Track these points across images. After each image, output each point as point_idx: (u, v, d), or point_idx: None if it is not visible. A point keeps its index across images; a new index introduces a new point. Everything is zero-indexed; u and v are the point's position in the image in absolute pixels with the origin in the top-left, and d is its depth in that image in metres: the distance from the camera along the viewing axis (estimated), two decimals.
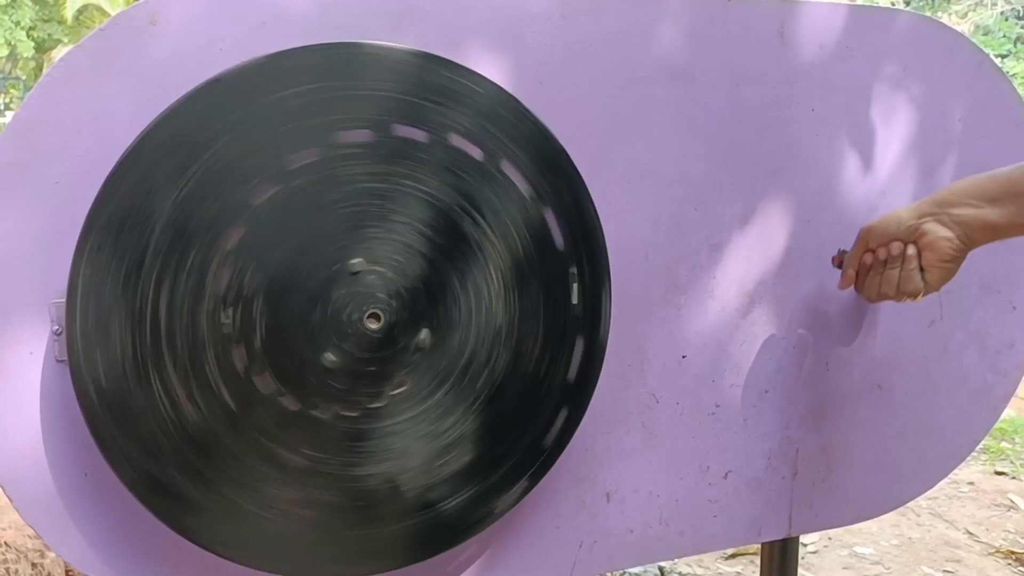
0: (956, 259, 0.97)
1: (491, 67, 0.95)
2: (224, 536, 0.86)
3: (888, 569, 2.62)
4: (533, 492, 0.97)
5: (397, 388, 0.88)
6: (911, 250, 0.98)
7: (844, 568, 2.63)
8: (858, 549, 2.73)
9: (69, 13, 17.08)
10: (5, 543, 2.21)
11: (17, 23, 17.92)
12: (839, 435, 1.19)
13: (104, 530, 0.87)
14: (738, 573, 2.60)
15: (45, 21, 19.24)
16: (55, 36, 19.01)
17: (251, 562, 0.87)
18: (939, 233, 0.95)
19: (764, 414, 1.14)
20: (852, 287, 1.08)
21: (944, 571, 2.60)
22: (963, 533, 2.83)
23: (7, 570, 2.16)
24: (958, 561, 2.66)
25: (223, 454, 0.84)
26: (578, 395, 0.97)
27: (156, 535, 0.86)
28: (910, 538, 2.80)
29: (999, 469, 3.26)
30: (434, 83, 0.87)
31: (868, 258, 1.02)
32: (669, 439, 1.10)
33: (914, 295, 1.00)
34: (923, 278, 0.99)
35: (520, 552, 1.04)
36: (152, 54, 0.83)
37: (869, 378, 1.19)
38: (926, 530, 2.86)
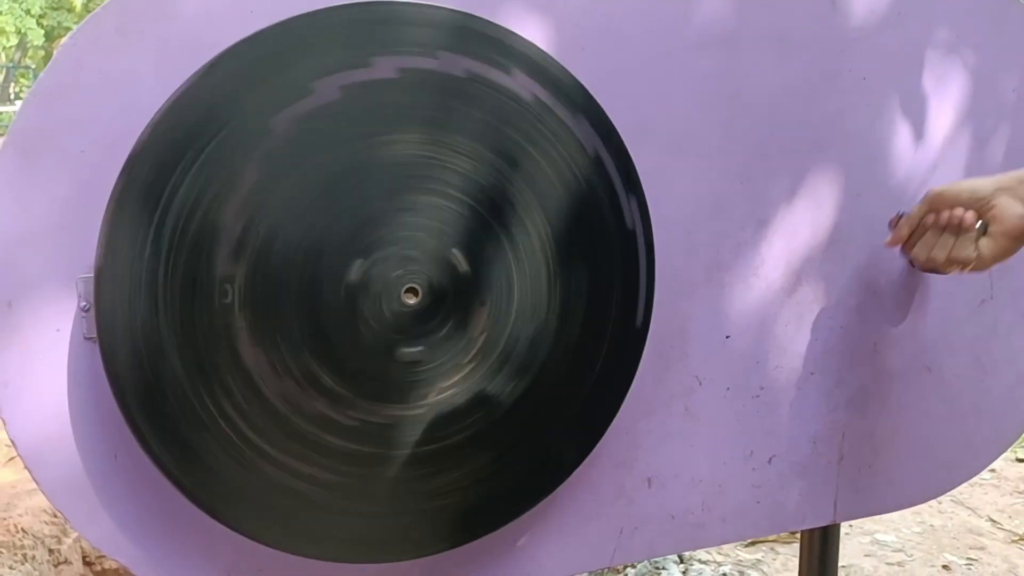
0: (1017, 239, 0.94)
1: (531, 32, 0.91)
2: (256, 518, 0.83)
3: (911, 557, 2.59)
4: (572, 477, 0.94)
5: (434, 369, 0.85)
6: (971, 216, 0.95)
7: (866, 555, 2.61)
8: (880, 536, 2.70)
9: (79, 1, 17.08)
10: (22, 529, 2.20)
11: (27, 11, 17.92)
12: (886, 418, 1.15)
13: (134, 513, 0.84)
14: (758, 560, 2.58)
15: (55, 9, 19.26)
16: (64, 24, 19.01)
17: (286, 546, 0.85)
18: (1011, 208, 0.92)
19: (810, 397, 1.10)
20: (899, 249, 1.05)
21: (967, 559, 2.57)
22: (986, 520, 2.80)
23: (24, 556, 2.14)
24: (981, 549, 2.63)
25: (256, 432, 0.81)
26: (618, 375, 0.94)
27: (189, 518, 0.83)
28: (932, 525, 2.78)
29: (1021, 456, 3.23)
30: (482, 45, 0.84)
31: (930, 219, 0.99)
32: (712, 422, 1.06)
33: (964, 264, 0.98)
34: (977, 248, 0.96)
35: (559, 538, 1.01)
36: (180, 15, 0.79)
37: (918, 359, 1.15)
38: (948, 517, 2.83)
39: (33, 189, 0.78)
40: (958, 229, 0.96)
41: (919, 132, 1.10)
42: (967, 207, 0.96)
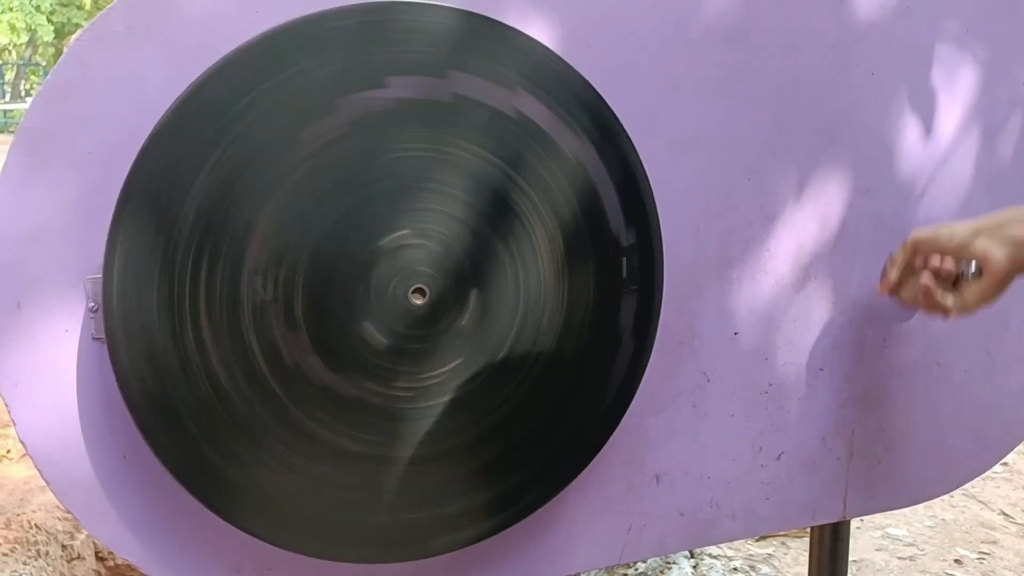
0: (1001, 282, 0.91)
1: (536, 28, 0.90)
2: (264, 518, 0.83)
3: (922, 551, 2.59)
4: (581, 475, 0.94)
5: (442, 367, 0.85)
6: (950, 265, 0.95)
7: (878, 550, 2.60)
8: (891, 531, 2.69)
9: None
10: (35, 525, 2.21)
11: (37, 7, 18.00)
12: (896, 414, 1.14)
13: (143, 513, 0.84)
14: (769, 555, 2.57)
15: (64, 6, 19.32)
16: (74, 20, 19.08)
17: (292, 545, 0.85)
18: (992, 252, 0.89)
19: (819, 393, 1.10)
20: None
21: (979, 552, 2.56)
22: (998, 514, 2.79)
23: (38, 552, 2.16)
24: (994, 543, 2.62)
25: (263, 431, 0.81)
26: (628, 373, 0.93)
27: (196, 518, 0.83)
28: (944, 520, 2.77)
29: None
30: (478, 44, 0.83)
31: (918, 262, 0.98)
32: (721, 419, 1.06)
33: (946, 313, 0.96)
34: (962, 295, 0.94)
35: (568, 536, 1.01)
36: (187, 15, 0.79)
37: (928, 355, 1.14)
38: (960, 511, 2.82)
39: (42, 189, 0.78)
40: (939, 278, 0.96)
41: (928, 126, 1.09)
42: (947, 252, 0.95)
